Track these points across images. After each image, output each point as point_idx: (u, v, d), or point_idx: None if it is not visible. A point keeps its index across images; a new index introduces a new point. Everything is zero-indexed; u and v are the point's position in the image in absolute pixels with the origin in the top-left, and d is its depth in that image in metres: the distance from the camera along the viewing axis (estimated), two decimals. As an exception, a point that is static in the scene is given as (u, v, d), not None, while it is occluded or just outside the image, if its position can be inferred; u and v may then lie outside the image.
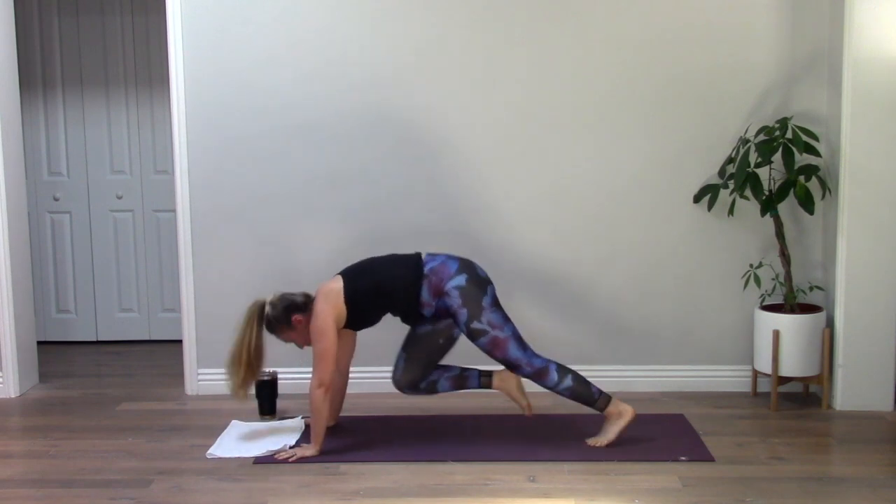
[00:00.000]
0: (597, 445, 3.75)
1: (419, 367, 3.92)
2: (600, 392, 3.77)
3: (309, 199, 4.56)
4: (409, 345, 3.92)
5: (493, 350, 3.72)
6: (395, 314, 3.85)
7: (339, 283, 3.74)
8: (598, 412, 3.80)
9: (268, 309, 3.78)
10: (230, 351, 3.79)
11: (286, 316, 3.76)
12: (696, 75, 4.43)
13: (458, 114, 4.49)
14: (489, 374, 3.94)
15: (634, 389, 4.54)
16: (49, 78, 5.71)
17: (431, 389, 3.97)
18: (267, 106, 4.52)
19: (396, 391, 3.94)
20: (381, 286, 3.75)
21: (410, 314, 3.81)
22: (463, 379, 3.96)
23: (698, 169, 4.46)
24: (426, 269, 3.73)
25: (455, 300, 3.69)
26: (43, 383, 4.97)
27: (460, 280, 3.71)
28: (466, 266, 3.77)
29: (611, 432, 3.77)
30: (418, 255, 3.84)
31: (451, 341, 3.94)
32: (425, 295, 3.72)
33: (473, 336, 3.72)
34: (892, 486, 3.37)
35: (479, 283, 3.75)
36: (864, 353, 4.22)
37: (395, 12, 4.45)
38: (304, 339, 3.81)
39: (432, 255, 3.81)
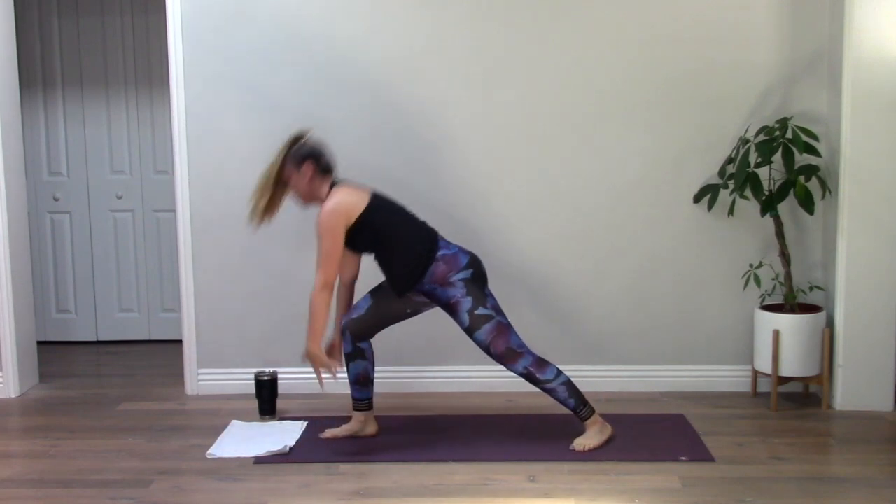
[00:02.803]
0: (585, 449, 3.71)
1: (375, 323, 3.84)
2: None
3: (309, 199, 4.56)
4: (379, 294, 3.85)
5: (496, 338, 3.67)
6: (386, 274, 3.76)
7: (365, 200, 3.68)
8: (580, 418, 3.76)
9: (301, 142, 3.76)
10: (262, 173, 3.75)
11: (303, 157, 3.71)
12: (696, 75, 4.43)
13: (458, 113, 4.49)
14: (368, 406, 3.90)
15: (634, 389, 4.54)
16: (49, 78, 5.71)
17: (354, 357, 3.83)
18: (267, 106, 4.52)
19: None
20: (394, 239, 3.70)
21: (403, 285, 3.73)
22: (368, 381, 3.88)
23: (698, 169, 4.46)
24: (438, 253, 3.70)
25: (459, 290, 3.67)
26: (43, 383, 4.97)
27: (467, 273, 3.70)
28: (474, 262, 3.76)
29: (596, 439, 3.74)
30: (436, 233, 3.80)
31: (415, 314, 3.90)
32: (428, 276, 3.69)
33: (477, 323, 3.66)
34: (892, 486, 3.37)
35: (482, 278, 3.76)
36: (864, 353, 4.22)
37: (394, 12, 4.45)
38: (294, 188, 3.75)
39: (447, 243, 3.77)
